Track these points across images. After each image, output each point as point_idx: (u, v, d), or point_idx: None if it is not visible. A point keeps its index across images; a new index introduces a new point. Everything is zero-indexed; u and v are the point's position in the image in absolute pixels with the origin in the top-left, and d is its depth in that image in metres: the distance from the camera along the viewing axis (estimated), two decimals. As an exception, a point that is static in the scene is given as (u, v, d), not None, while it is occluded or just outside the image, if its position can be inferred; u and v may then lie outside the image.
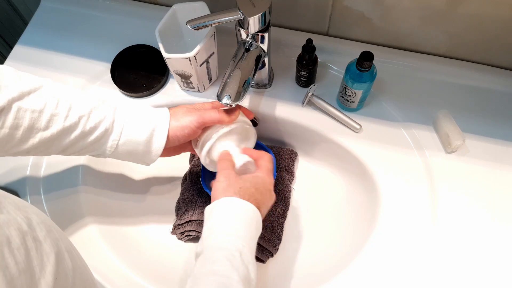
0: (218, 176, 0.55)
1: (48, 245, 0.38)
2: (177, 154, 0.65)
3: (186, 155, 0.80)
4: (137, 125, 0.56)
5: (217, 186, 0.54)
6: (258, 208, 0.53)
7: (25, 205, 0.40)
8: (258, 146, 0.74)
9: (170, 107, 0.60)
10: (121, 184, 0.75)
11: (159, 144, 0.57)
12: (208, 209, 0.53)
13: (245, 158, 0.58)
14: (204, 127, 0.60)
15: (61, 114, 0.52)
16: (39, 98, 0.51)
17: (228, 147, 0.60)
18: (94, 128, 0.54)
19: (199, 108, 0.60)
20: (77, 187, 0.70)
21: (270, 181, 0.57)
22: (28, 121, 0.50)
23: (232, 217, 0.51)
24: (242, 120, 0.62)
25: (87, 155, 0.58)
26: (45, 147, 0.53)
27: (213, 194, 0.54)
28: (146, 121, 0.56)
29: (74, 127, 0.53)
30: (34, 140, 0.51)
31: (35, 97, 0.51)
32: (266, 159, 0.59)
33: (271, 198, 0.57)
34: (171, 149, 0.62)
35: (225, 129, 0.59)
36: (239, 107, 0.63)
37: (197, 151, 0.63)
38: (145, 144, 0.56)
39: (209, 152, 0.60)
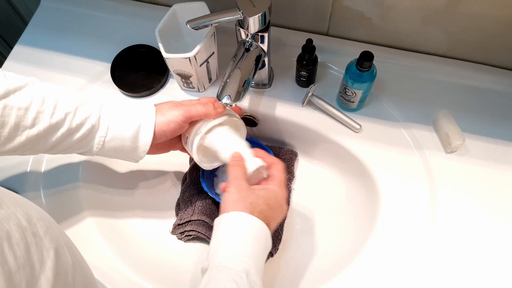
0: (229, 186, 0.53)
1: (48, 241, 0.38)
2: (166, 151, 0.65)
3: (186, 155, 0.79)
4: (123, 121, 0.56)
5: (227, 197, 0.52)
6: (268, 224, 0.51)
7: (24, 202, 0.40)
8: (258, 146, 0.74)
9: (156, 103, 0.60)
10: (120, 183, 0.75)
11: (146, 139, 0.57)
12: (216, 221, 0.52)
13: (258, 163, 0.56)
14: (191, 122, 0.59)
15: (47, 111, 0.52)
16: (25, 96, 0.51)
17: (233, 146, 0.58)
18: (80, 125, 0.53)
19: (185, 103, 0.59)
20: (77, 183, 0.70)
21: (283, 195, 0.55)
22: (14, 118, 0.50)
23: (239, 234, 0.49)
24: (230, 113, 0.61)
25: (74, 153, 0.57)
26: (32, 145, 0.52)
27: (222, 205, 0.53)
28: (132, 117, 0.56)
29: (61, 124, 0.52)
30: (21, 138, 0.51)
31: (21, 94, 0.51)
32: (279, 169, 0.57)
33: (282, 212, 0.55)
34: (159, 145, 0.61)
35: (214, 122, 0.59)
36: None
37: (187, 148, 0.62)
38: (131, 140, 0.56)
39: (199, 147, 0.60)
